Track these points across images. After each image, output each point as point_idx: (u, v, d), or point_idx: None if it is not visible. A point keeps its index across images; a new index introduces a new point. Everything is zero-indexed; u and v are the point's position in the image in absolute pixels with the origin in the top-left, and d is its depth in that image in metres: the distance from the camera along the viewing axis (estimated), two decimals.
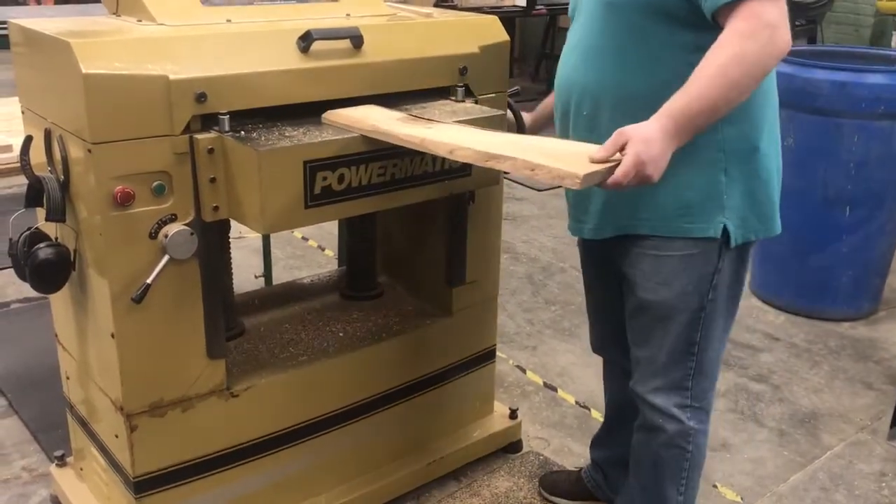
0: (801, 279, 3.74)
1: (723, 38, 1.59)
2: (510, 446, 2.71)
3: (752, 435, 2.91)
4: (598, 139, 1.71)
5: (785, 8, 1.61)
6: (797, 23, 6.56)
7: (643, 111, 1.64)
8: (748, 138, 1.80)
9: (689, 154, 1.70)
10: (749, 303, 3.90)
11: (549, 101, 2.17)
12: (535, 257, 4.36)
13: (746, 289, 3.97)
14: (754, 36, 1.57)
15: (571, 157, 1.60)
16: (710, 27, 1.66)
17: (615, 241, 1.92)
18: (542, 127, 2.24)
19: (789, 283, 3.79)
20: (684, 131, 1.59)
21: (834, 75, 3.46)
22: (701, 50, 1.64)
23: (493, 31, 2.26)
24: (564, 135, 1.94)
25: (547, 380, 3.21)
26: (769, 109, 1.85)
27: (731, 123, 1.75)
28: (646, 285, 1.88)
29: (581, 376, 3.20)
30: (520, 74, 8.35)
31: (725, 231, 1.81)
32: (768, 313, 3.80)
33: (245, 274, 3.64)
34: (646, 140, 1.55)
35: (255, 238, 4.09)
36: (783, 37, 1.59)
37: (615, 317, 2.08)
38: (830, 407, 3.08)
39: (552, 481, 2.53)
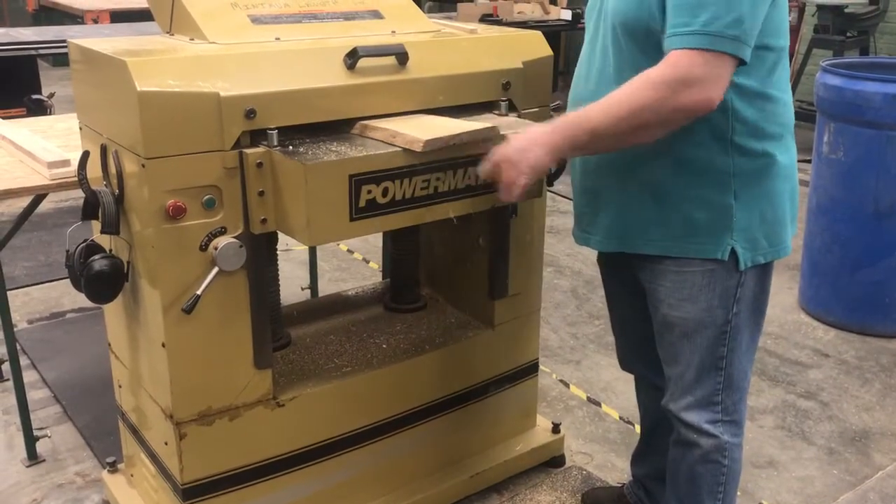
0: (852, 294, 3.66)
1: (635, 79, 1.66)
2: (553, 461, 2.71)
3: (800, 453, 2.85)
4: (605, 155, 1.85)
5: (722, 63, 1.61)
6: (848, 34, 6.44)
7: None
8: (760, 159, 1.81)
9: (699, 175, 1.79)
10: (798, 318, 3.84)
11: None
12: (579, 271, 4.35)
13: (795, 304, 3.93)
14: (657, 86, 1.62)
15: (438, 129, 1.83)
16: None
17: (634, 256, 1.94)
18: None
19: (839, 299, 3.71)
20: (565, 150, 1.75)
21: (886, 87, 3.40)
22: None
23: (537, 46, 2.27)
24: None
25: (591, 394, 3.19)
26: (786, 131, 1.85)
27: (744, 145, 1.78)
28: (670, 301, 1.90)
29: (625, 391, 3.18)
30: (564, 87, 8.30)
31: (734, 253, 1.83)
32: (817, 329, 3.73)
33: (292, 286, 3.70)
34: (522, 149, 1.76)
35: (301, 250, 4.16)
36: (696, 95, 1.60)
37: (638, 331, 2.10)
38: (882, 425, 3.01)
39: (595, 497, 2.52)
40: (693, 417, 1.96)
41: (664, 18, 1.69)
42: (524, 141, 1.77)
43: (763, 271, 1.92)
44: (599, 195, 1.94)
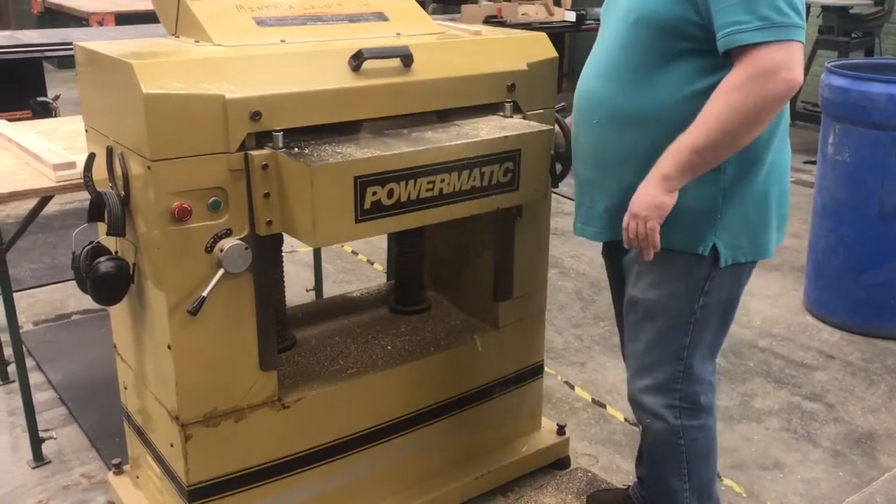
0: (857, 296, 3.65)
1: (718, 89, 1.71)
2: (558, 462, 2.70)
3: (805, 455, 2.85)
4: (603, 146, 1.93)
5: (793, 47, 1.68)
6: (853, 35, 6.43)
7: (642, 127, 1.83)
8: (751, 161, 1.85)
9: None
10: (803, 320, 3.83)
11: None
12: (584, 272, 4.34)
13: (800, 306, 3.92)
14: (742, 87, 1.67)
15: None
16: (724, 61, 1.74)
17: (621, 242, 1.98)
18: None
19: (844, 301, 3.70)
20: (676, 176, 1.76)
21: (892, 88, 3.39)
22: (708, 78, 1.76)
23: (542, 48, 2.28)
24: (577, 136, 2.04)
25: (596, 396, 3.19)
26: (777, 130, 1.88)
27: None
28: (638, 284, 1.98)
29: None
30: (569, 89, 8.32)
31: (715, 250, 1.88)
32: (822, 331, 3.72)
33: (297, 288, 3.70)
34: (639, 202, 1.80)
35: (306, 252, 4.16)
36: (783, 78, 1.67)
37: None
38: (888, 427, 3.00)
39: (600, 500, 2.52)
40: (649, 400, 2.03)
41: (697, 16, 1.73)
42: (638, 195, 1.81)
43: (740, 270, 1.95)
44: (597, 187, 1.98)
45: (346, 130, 1.98)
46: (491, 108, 2.19)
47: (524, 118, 2.21)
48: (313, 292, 3.77)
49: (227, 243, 1.85)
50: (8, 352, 3.11)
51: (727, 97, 1.69)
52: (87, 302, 2.75)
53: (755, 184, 1.87)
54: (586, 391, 3.22)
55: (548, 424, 2.72)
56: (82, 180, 2.05)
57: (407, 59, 2.02)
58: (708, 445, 2.11)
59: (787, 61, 1.66)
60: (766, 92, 1.67)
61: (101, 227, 2.00)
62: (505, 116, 2.18)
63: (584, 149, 2.00)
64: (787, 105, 1.89)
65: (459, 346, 2.41)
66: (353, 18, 2.23)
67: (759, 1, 1.66)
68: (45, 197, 2.69)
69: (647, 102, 1.83)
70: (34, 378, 3.05)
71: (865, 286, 3.61)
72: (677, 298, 1.93)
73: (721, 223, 1.87)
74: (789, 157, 1.96)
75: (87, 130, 2.13)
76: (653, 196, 1.78)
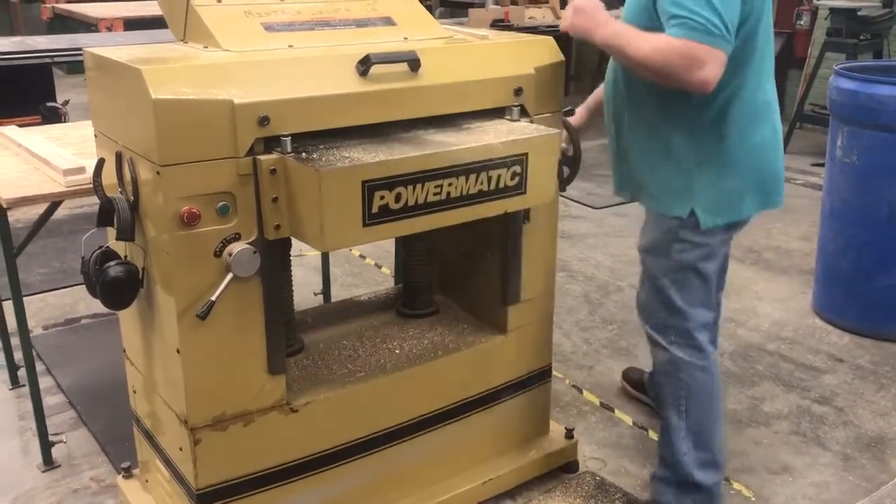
0: (867, 299, 3.64)
1: (665, 37, 1.92)
2: (566, 466, 2.70)
3: (815, 458, 2.84)
4: (618, 127, 2.31)
5: (717, 55, 1.90)
6: (861, 37, 6.41)
7: (630, 108, 2.23)
8: (708, 130, 2.14)
9: (669, 156, 2.19)
10: (812, 323, 3.81)
11: (598, 93, 2.55)
12: (592, 276, 4.34)
13: (809, 309, 3.91)
14: (682, 56, 1.89)
15: None
16: None
17: None
18: (594, 115, 2.59)
19: (854, 303, 3.69)
20: (598, 43, 2.08)
21: None
22: None
23: (549, 52, 2.28)
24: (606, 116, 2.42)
25: (604, 400, 3.18)
26: (744, 111, 2.15)
27: (704, 130, 2.14)
28: (641, 232, 2.38)
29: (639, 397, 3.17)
30: (576, 92, 8.32)
31: (694, 213, 2.19)
32: (832, 334, 3.71)
33: (305, 291, 3.71)
34: (585, 12, 2.12)
35: (314, 256, 4.17)
36: (702, 75, 1.90)
37: None
38: None
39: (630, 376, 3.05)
40: (653, 332, 2.36)
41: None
42: (592, 9, 2.10)
43: (717, 231, 2.22)
44: (617, 156, 2.37)
45: (353, 135, 1.98)
46: (498, 112, 2.20)
47: (531, 122, 2.21)
48: (321, 296, 3.78)
49: (235, 247, 1.86)
50: (18, 356, 3.12)
51: (669, 53, 1.90)
52: (97, 306, 2.77)
53: (724, 157, 2.15)
54: (594, 395, 3.22)
55: (556, 428, 2.72)
56: (91, 185, 2.06)
57: (414, 63, 2.03)
58: (709, 389, 2.34)
59: (711, 63, 1.89)
60: (688, 77, 1.90)
61: (111, 231, 2.01)
62: (512, 120, 2.18)
63: (607, 120, 2.36)
64: (766, 92, 2.19)
65: (467, 349, 2.41)
66: (360, 23, 2.24)
67: (682, 4, 1.88)
68: (55, 202, 2.71)
69: (632, 91, 2.20)
70: (44, 382, 3.06)
71: (874, 289, 3.60)
72: (658, 243, 2.26)
73: (698, 191, 2.17)
74: (773, 138, 2.22)
75: (96, 136, 2.14)
76: (585, 27, 2.10)
